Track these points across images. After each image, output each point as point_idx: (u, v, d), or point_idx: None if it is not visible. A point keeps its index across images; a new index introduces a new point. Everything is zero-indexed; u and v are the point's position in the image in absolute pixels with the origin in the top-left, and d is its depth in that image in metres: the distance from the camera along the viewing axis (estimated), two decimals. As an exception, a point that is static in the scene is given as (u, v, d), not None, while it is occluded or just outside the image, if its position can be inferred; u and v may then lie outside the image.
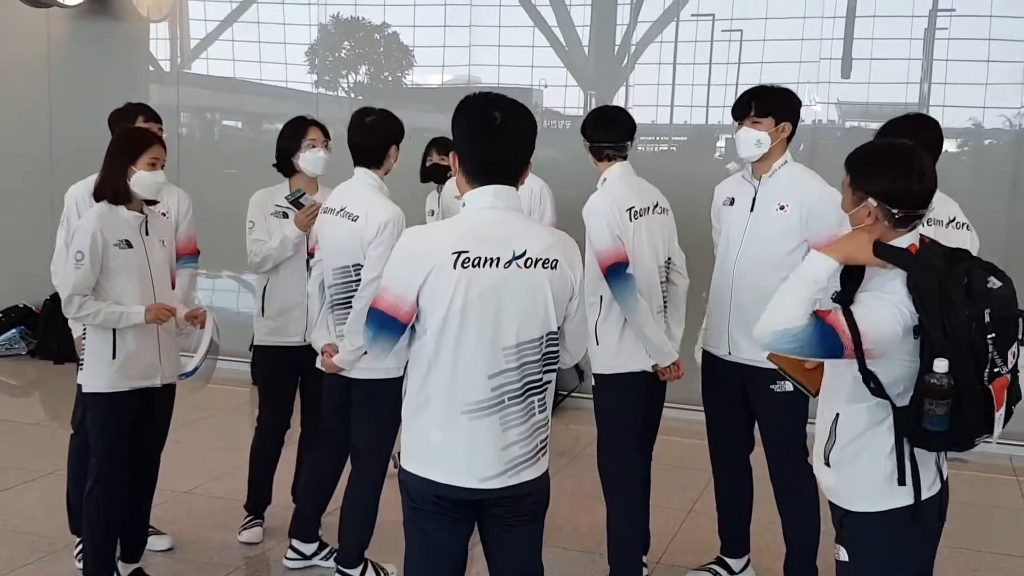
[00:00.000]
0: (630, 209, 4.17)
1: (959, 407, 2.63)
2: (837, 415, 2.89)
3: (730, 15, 7.34)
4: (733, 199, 4.26)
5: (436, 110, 8.27)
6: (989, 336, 2.62)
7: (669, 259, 4.37)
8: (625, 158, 4.31)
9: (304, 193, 4.60)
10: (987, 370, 2.63)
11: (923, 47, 6.88)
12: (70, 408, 4.66)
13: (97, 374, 4.04)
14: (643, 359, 4.20)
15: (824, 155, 7.00)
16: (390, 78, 8.63)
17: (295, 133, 4.69)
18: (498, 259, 2.80)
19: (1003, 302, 2.66)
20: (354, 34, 8.55)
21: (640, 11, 7.52)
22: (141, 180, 4.01)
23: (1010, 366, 2.67)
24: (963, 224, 4.08)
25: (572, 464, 6.04)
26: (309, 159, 4.66)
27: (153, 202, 4.17)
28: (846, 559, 2.92)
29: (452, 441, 2.86)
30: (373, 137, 4.16)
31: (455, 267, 2.77)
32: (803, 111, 6.63)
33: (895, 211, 2.73)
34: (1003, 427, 2.75)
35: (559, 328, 2.93)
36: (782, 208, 4.06)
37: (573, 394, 7.37)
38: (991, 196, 6.74)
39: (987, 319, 2.62)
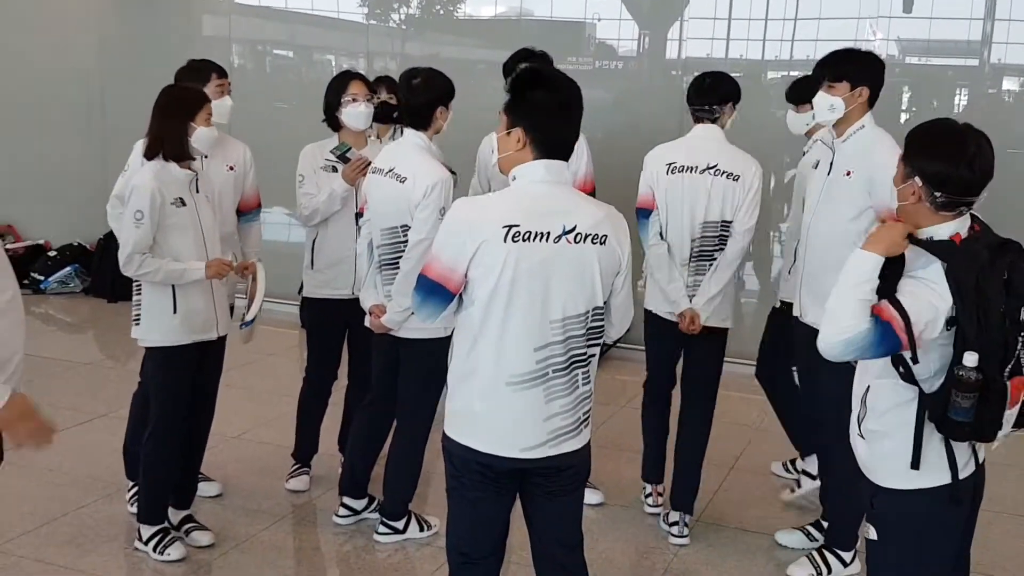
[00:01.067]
0: (670, 164, 4.41)
1: (984, 400, 2.61)
2: (868, 387, 2.87)
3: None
4: (819, 162, 4.21)
5: (488, 44, 8.18)
6: (1021, 335, 2.62)
7: (727, 222, 4.41)
8: (715, 121, 4.47)
9: (350, 147, 4.58)
10: (1009, 366, 2.62)
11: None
12: (123, 349, 4.78)
13: (158, 328, 4.11)
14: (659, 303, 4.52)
15: (884, 93, 6.82)
16: (442, 11, 8.51)
17: (337, 88, 4.65)
18: (548, 233, 2.80)
19: None
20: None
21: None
22: (201, 136, 4.06)
23: None
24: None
25: (617, 415, 6.05)
26: (351, 114, 4.62)
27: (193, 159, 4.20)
28: (875, 537, 2.90)
29: (495, 411, 2.88)
30: (419, 98, 4.11)
31: (505, 240, 2.78)
32: (861, 46, 6.57)
33: (938, 194, 2.69)
34: (1012, 427, 2.73)
35: (605, 303, 2.92)
36: (848, 174, 3.97)
37: (619, 344, 7.31)
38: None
39: (1022, 317, 2.62)
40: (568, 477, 2.99)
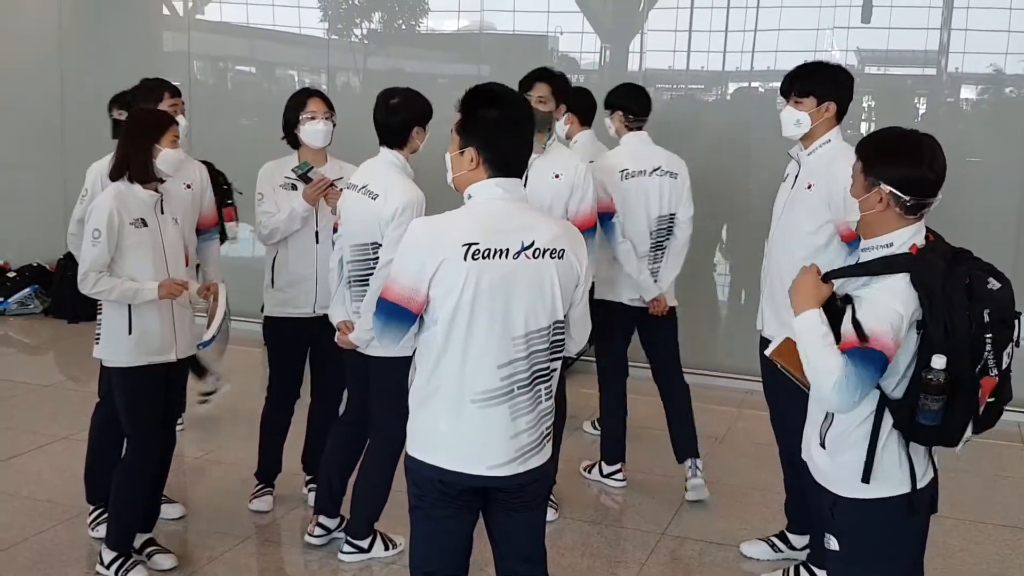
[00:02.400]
0: (623, 171, 4.95)
1: (952, 404, 2.66)
2: None
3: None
4: (786, 175, 4.21)
5: (451, 58, 8.17)
6: (987, 336, 2.66)
7: (672, 214, 5.05)
8: (641, 128, 5.09)
9: (312, 167, 4.54)
10: (978, 368, 2.66)
11: (943, -7, 6.71)
12: (84, 370, 4.70)
13: (115, 349, 4.09)
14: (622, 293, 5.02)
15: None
16: (403, 26, 8.50)
17: (295, 105, 4.63)
18: (507, 250, 2.81)
19: (1002, 303, 2.69)
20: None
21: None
22: (167, 158, 4.04)
23: (1003, 367, 2.70)
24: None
25: (580, 430, 6.06)
26: (309, 131, 4.59)
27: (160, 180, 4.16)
28: (835, 548, 2.92)
29: (461, 429, 2.87)
30: (396, 117, 4.11)
31: (466, 259, 2.77)
32: (820, 56, 6.62)
33: (907, 198, 2.75)
34: (972, 431, 2.76)
35: (565, 316, 2.92)
36: (809, 187, 3.99)
37: (583, 358, 7.28)
38: (1013, 144, 6.61)
39: (986, 319, 2.65)
40: (531, 492, 2.98)
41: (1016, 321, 2.72)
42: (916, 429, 2.72)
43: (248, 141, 7.75)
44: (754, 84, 7.49)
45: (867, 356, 2.65)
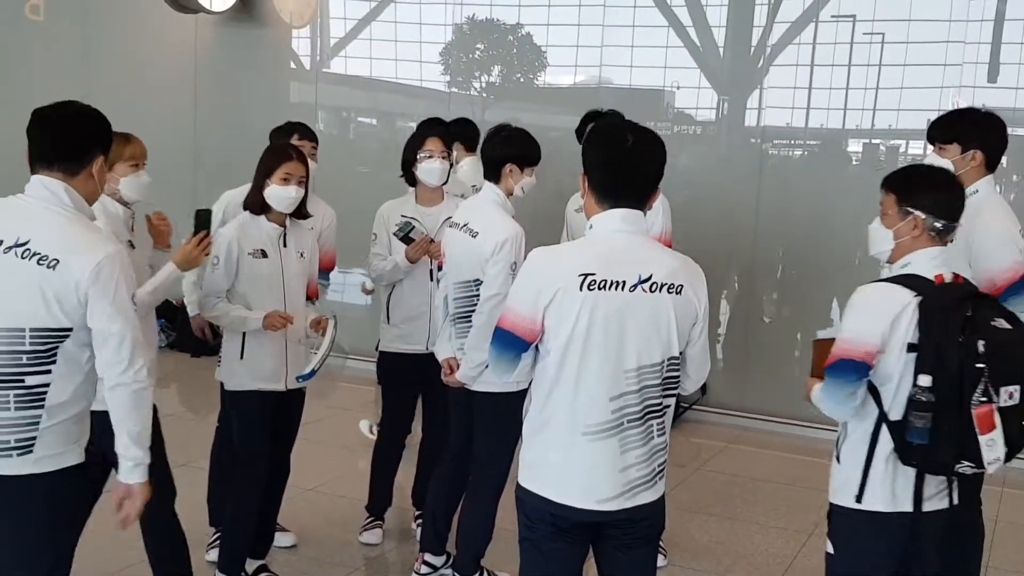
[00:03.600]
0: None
1: (938, 425, 2.84)
2: None
3: (872, 16, 7.13)
4: None
5: (567, 111, 8.25)
6: (979, 365, 2.82)
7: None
8: None
9: (413, 227, 4.61)
10: (974, 396, 2.81)
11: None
12: (204, 401, 4.82)
13: (229, 372, 4.25)
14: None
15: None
16: (522, 79, 8.63)
17: (413, 144, 4.74)
18: (624, 282, 2.81)
19: (1003, 341, 2.86)
20: (488, 35, 8.59)
21: (778, 12, 7.35)
22: (273, 194, 4.14)
23: (1001, 402, 2.84)
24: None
25: (691, 478, 5.99)
26: (425, 169, 4.68)
27: (303, 215, 4.29)
28: (831, 551, 3.18)
29: (570, 462, 2.87)
30: (492, 151, 4.18)
31: (581, 289, 2.79)
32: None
33: (939, 223, 3.01)
34: (1003, 460, 2.88)
35: (681, 353, 2.91)
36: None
37: (695, 407, 7.31)
38: None
39: (980, 349, 2.82)
40: (643, 529, 2.96)
41: None
42: (906, 449, 2.91)
43: (368, 187, 7.97)
44: (875, 141, 7.41)
45: (834, 368, 2.97)
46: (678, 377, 2.95)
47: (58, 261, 2.86)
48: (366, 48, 9.00)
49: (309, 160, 4.80)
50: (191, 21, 8.90)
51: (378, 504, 4.98)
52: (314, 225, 4.77)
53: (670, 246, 4.72)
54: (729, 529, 5.28)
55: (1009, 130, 6.83)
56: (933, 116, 4.23)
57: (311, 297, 4.50)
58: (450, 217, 4.33)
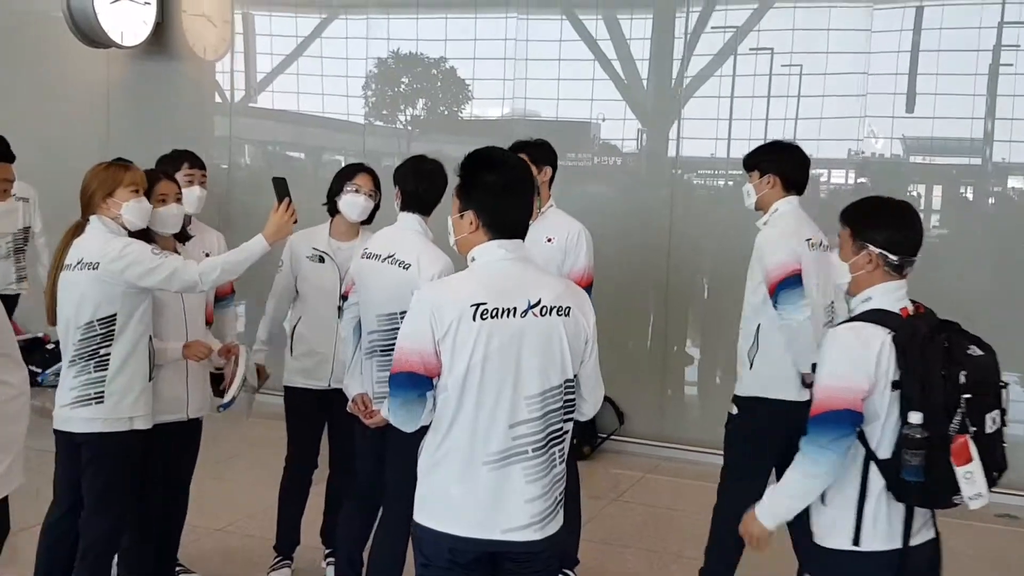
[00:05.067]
0: None
1: (931, 461, 2.81)
2: None
3: (790, 49, 7.22)
4: None
5: (492, 143, 8.19)
6: (964, 396, 2.81)
7: None
8: None
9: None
10: (949, 427, 2.81)
11: (987, 83, 6.69)
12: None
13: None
14: None
15: (889, 190, 6.84)
16: (446, 112, 8.61)
17: (343, 175, 4.71)
18: (515, 308, 2.81)
19: (981, 368, 2.87)
20: (412, 68, 8.56)
21: (696, 45, 7.41)
22: (158, 216, 4.08)
23: (987, 429, 2.85)
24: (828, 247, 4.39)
25: (608, 509, 5.94)
26: (347, 202, 4.66)
27: (185, 237, 4.28)
28: None
29: (473, 492, 2.82)
30: (428, 183, 4.13)
31: (475, 319, 2.77)
32: (864, 145, 6.63)
33: (894, 257, 2.98)
34: (980, 490, 2.83)
35: (575, 376, 2.91)
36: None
37: (612, 437, 7.29)
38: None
39: (962, 380, 2.82)
40: (542, 562, 2.92)
41: (1001, 389, 2.92)
42: (902, 487, 2.86)
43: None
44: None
45: (825, 420, 2.86)
46: (574, 400, 2.94)
47: None
48: (289, 82, 8.91)
49: (199, 187, 4.79)
50: (103, 55, 8.78)
51: (286, 543, 4.88)
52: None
53: (591, 283, 4.73)
54: (647, 562, 5.23)
55: (926, 159, 7.18)
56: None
57: (208, 321, 4.45)
58: (365, 248, 4.24)
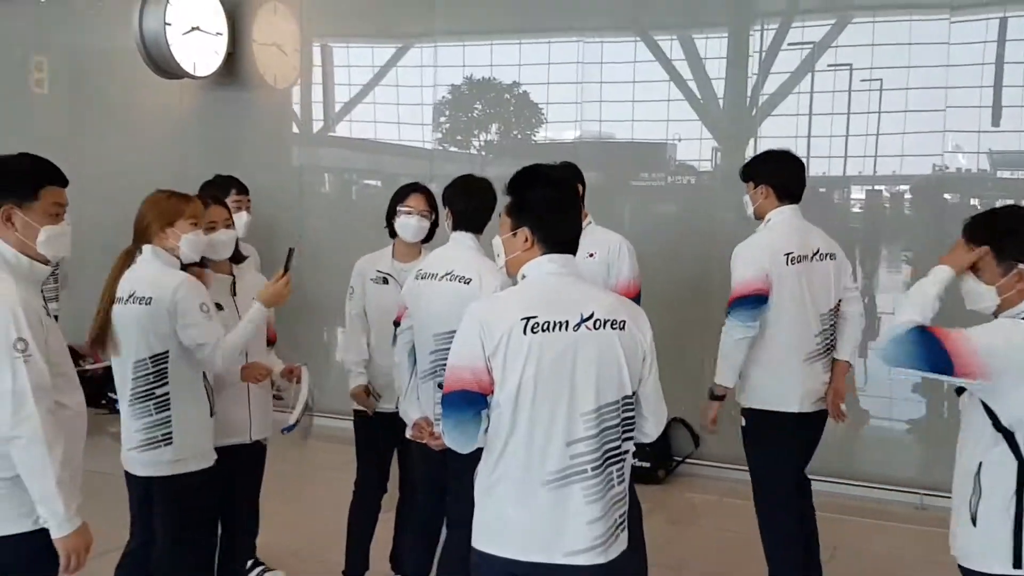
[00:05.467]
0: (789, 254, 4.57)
1: None
2: (980, 463, 2.80)
3: (870, 64, 7.08)
4: None
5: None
6: None
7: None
8: None
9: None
10: None
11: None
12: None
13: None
14: None
15: (975, 206, 6.73)
16: (519, 136, 8.60)
17: (397, 197, 4.75)
18: (567, 322, 2.76)
19: None
20: (485, 94, 8.58)
21: (774, 63, 7.32)
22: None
23: None
24: (827, 255, 4.55)
25: (685, 534, 5.83)
26: (400, 224, 4.69)
27: (239, 259, 4.32)
28: None
29: (532, 515, 2.75)
30: (479, 201, 4.14)
31: (525, 332, 2.72)
32: (948, 159, 6.48)
33: None
34: None
35: (634, 393, 2.83)
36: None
37: (688, 461, 7.18)
38: None
39: None
40: None
41: None
42: None
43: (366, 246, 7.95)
44: (878, 187, 7.34)
45: (926, 345, 2.74)
46: (634, 418, 2.86)
47: None
48: (365, 111, 9.01)
49: (245, 212, 5.02)
50: (176, 86, 8.96)
51: (355, 568, 4.88)
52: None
53: (639, 292, 4.69)
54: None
55: (1014, 173, 6.98)
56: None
57: (271, 341, 4.44)
58: (418, 270, 4.22)
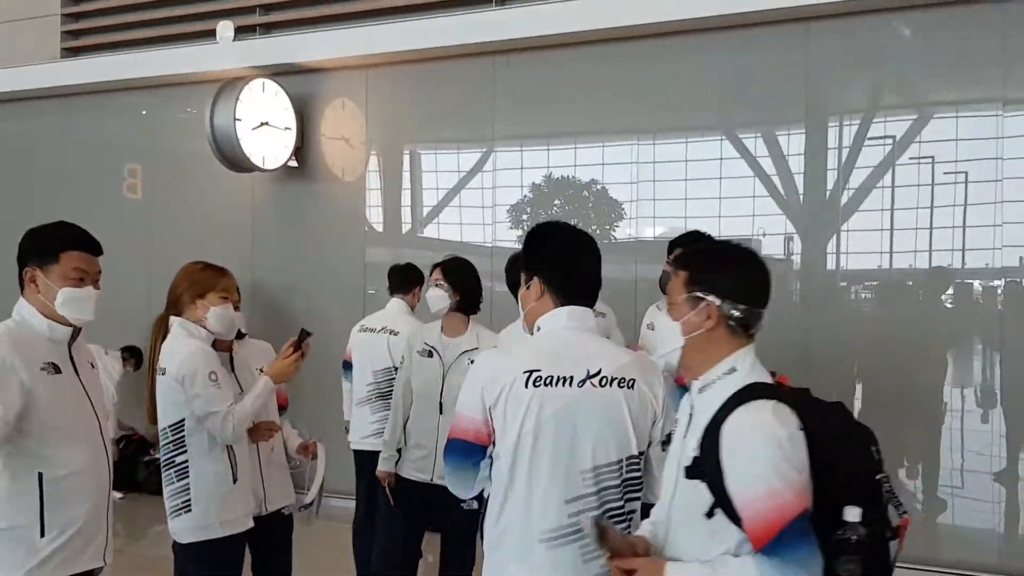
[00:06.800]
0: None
1: (868, 564, 2.28)
2: None
3: (954, 157, 7.16)
4: None
5: (646, 261, 8.27)
6: (880, 475, 2.36)
7: None
8: None
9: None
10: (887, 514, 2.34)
11: None
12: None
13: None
14: None
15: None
16: (598, 231, 8.70)
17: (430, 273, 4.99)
18: (571, 378, 2.75)
19: (875, 441, 2.42)
20: (564, 191, 8.72)
21: (858, 157, 7.42)
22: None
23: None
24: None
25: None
26: (430, 296, 4.95)
27: (240, 335, 4.35)
28: None
29: (531, 572, 2.71)
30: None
31: (527, 386, 2.73)
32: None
33: (737, 310, 2.43)
34: None
35: (641, 453, 2.81)
36: None
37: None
38: None
39: (876, 456, 2.38)
40: None
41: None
42: None
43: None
44: (967, 281, 7.35)
45: (790, 537, 2.19)
46: (640, 478, 2.81)
47: None
48: (438, 209, 9.17)
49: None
50: (248, 179, 9.29)
51: None
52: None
53: None
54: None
55: None
56: None
57: (282, 406, 4.49)
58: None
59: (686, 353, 2.48)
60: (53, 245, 3.32)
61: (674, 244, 5.14)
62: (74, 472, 3.33)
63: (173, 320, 4.02)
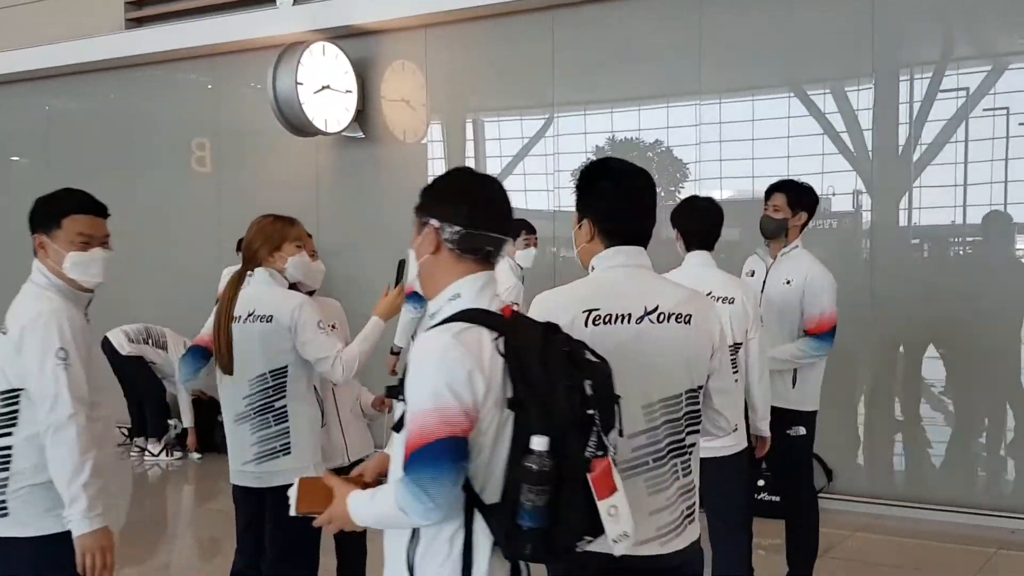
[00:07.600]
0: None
1: (559, 498, 2.25)
2: None
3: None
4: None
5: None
6: (590, 411, 2.32)
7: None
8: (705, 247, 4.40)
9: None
10: (587, 449, 2.30)
11: None
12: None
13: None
14: None
15: None
16: (663, 193, 8.63)
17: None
18: (629, 315, 2.74)
19: (603, 378, 2.40)
20: (628, 154, 8.65)
21: (930, 111, 7.26)
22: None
23: (610, 453, 2.34)
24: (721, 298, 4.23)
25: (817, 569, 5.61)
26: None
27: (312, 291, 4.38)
28: None
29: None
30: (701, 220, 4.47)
31: (587, 325, 2.70)
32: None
33: (455, 231, 2.43)
34: (627, 528, 2.35)
35: (702, 387, 2.81)
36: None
37: (820, 495, 7.00)
38: None
39: (589, 391, 2.33)
40: None
41: (616, 405, 2.41)
42: (520, 538, 2.26)
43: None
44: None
45: (424, 455, 2.22)
46: (699, 411, 2.83)
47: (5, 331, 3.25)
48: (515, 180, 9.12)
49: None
50: (312, 143, 9.37)
51: None
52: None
53: (833, 327, 4.83)
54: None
55: None
56: None
57: None
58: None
59: (420, 278, 2.54)
60: (56, 211, 3.37)
61: (771, 190, 5.24)
62: (109, 420, 3.48)
63: (258, 271, 4.12)
